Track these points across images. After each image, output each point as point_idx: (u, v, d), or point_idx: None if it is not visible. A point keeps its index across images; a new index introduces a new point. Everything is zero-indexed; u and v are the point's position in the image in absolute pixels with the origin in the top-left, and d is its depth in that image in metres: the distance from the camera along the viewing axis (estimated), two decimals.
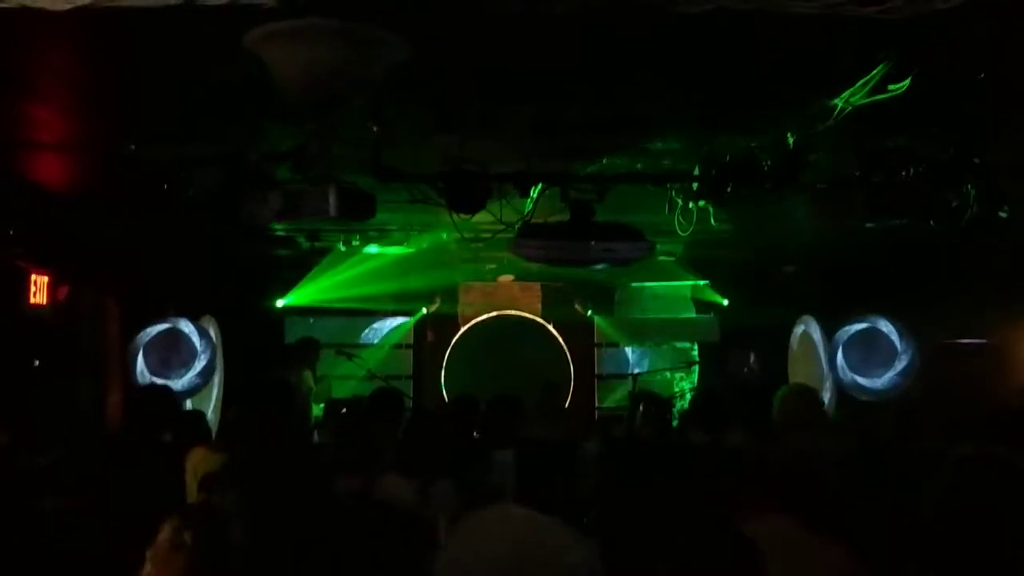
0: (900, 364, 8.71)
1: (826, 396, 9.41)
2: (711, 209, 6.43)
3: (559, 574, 2.97)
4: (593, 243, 5.30)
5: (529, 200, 5.50)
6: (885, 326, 8.70)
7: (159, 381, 7.89)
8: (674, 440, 5.63)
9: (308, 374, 9.00)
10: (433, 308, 11.17)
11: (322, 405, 8.85)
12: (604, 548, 3.18)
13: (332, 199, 4.87)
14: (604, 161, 5.51)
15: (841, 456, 3.89)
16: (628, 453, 5.44)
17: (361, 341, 11.11)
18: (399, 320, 11.24)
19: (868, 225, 5.49)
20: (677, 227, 7.07)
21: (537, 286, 11.22)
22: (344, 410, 8.64)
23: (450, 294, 11.22)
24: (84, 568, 3.33)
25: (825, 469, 3.40)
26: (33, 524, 3.76)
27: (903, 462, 3.75)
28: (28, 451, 3.84)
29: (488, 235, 6.05)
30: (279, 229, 8.15)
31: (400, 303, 11.12)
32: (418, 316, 11.15)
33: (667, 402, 6.08)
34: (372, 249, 9.36)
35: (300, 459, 4.12)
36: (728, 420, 5.02)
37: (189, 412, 6.82)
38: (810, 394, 5.28)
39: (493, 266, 10.43)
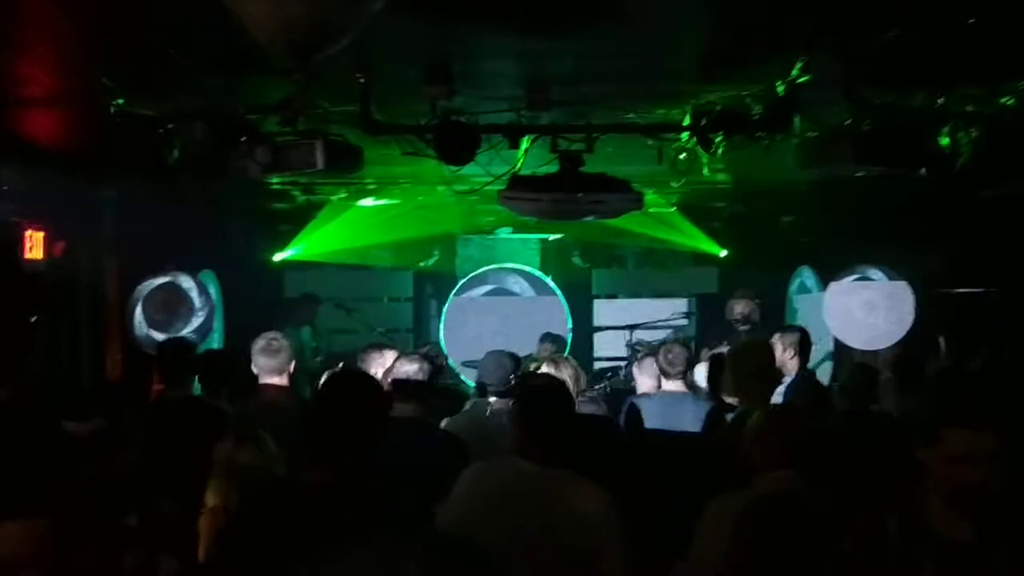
0: (893, 310, 8.71)
1: (827, 347, 9.45)
2: (705, 159, 6.42)
3: (569, 519, 3.06)
4: (581, 195, 5.30)
5: (519, 152, 5.49)
6: (877, 275, 8.70)
7: (158, 335, 7.97)
8: None
9: (307, 330, 9.06)
10: (432, 261, 11.19)
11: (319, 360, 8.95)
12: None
13: (319, 152, 4.90)
14: (593, 113, 5.49)
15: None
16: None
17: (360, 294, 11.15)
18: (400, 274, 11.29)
19: (858, 174, 5.48)
20: (672, 178, 7.09)
21: (536, 239, 11.24)
22: (341, 364, 8.80)
23: (448, 247, 11.24)
24: None
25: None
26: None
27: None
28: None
29: (477, 187, 6.04)
30: (275, 183, 8.14)
31: (399, 256, 11.15)
32: (417, 269, 11.18)
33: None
34: (368, 202, 9.37)
35: None
36: None
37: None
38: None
39: (491, 219, 10.44)
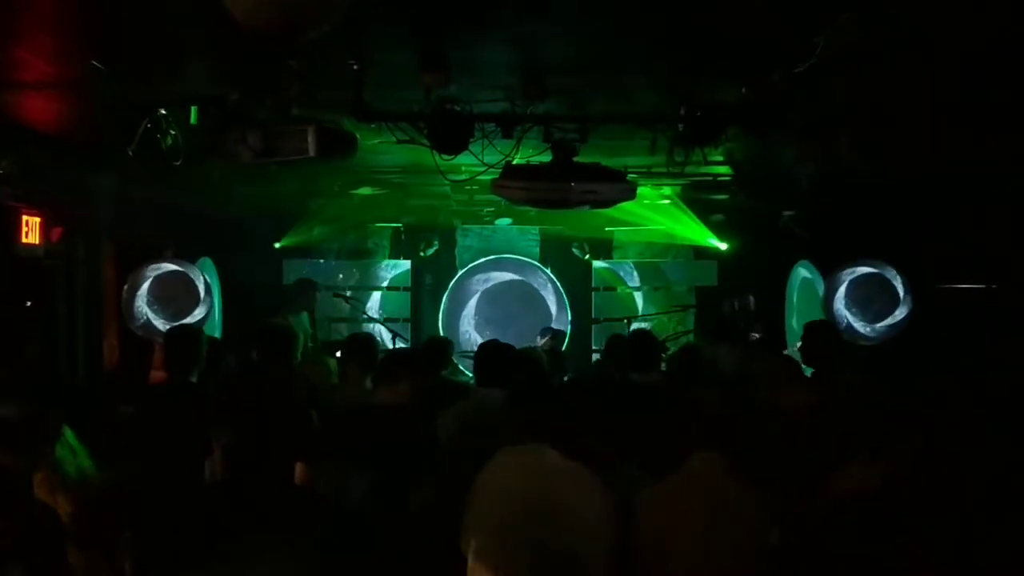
0: (900, 312, 8.68)
1: None
2: (704, 150, 6.39)
3: (570, 516, 3.08)
4: (574, 184, 5.29)
5: (513, 141, 5.47)
6: (888, 272, 8.66)
7: (159, 322, 7.97)
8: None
9: (304, 316, 9.06)
10: (431, 251, 11.19)
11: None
12: None
13: (311, 139, 4.89)
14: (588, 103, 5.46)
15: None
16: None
17: (360, 284, 11.15)
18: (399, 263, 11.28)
19: (856, 166, 5.46)
20: (668, 170, 7.06)
21: (535, 230, 11.22)
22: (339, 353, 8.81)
23: (448, 237, 11.23)
24: None
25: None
26: None
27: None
28: None
29: (471, 176, 6.02)
30: (273, 170, 8.12)
31: (398, 246, 11.15)
32: (416, 259, 11.18)
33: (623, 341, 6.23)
34: (367, 191, 9.36)
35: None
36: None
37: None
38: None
39: (491, 209, 10.43)
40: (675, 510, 2.74)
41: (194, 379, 5.27)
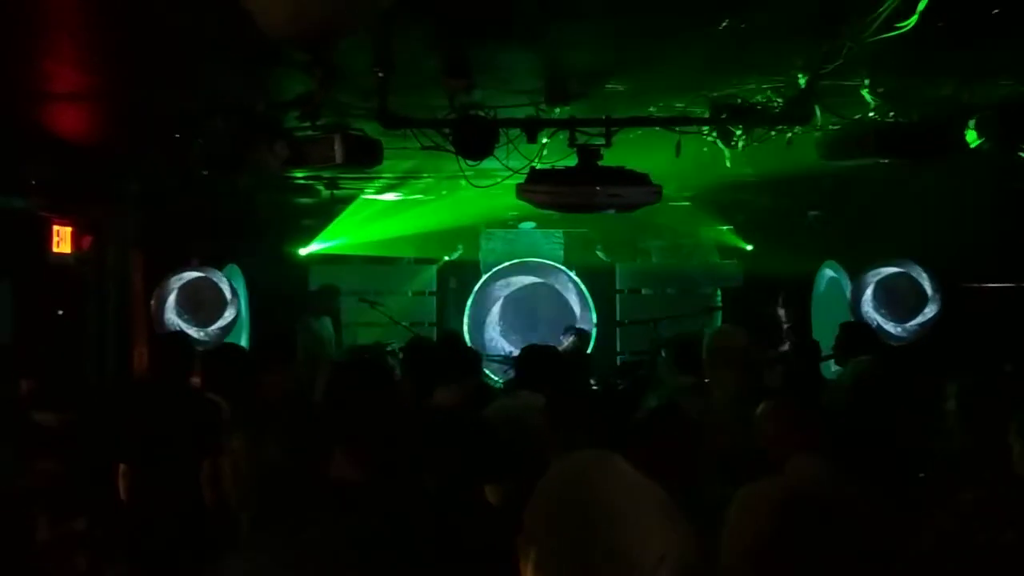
0: (930, 309, 8.62)
1: None
2: (726, 153, 6.38)
3: (633, 528, 3.02)
4: (599, 188, 5.29)
5: (537, 145, 5.48)
6: (914, 270, 8.60)
7: (185, 327, 8.06)
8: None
9: (327, 321, 9.10)
10: (455, 255, 11.20)
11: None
12: None
13: (338, 146, 4.93)
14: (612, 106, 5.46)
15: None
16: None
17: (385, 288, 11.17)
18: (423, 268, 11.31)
19: (883, 161, 5.41)
20: (694, 171, 7.05)
21: (559, 233, 11.20)
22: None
23: (472, 241, 11.24)
24: None
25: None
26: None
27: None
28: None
29: (496, 181, 6.04)
30: (299, 177, 8.19)
31: (422, 250, 11.16)
32: (441, 263, 11.20)
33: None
34: (393, 197, 9.40)
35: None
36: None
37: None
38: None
39: (515, 213, 10.43)
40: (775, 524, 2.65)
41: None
